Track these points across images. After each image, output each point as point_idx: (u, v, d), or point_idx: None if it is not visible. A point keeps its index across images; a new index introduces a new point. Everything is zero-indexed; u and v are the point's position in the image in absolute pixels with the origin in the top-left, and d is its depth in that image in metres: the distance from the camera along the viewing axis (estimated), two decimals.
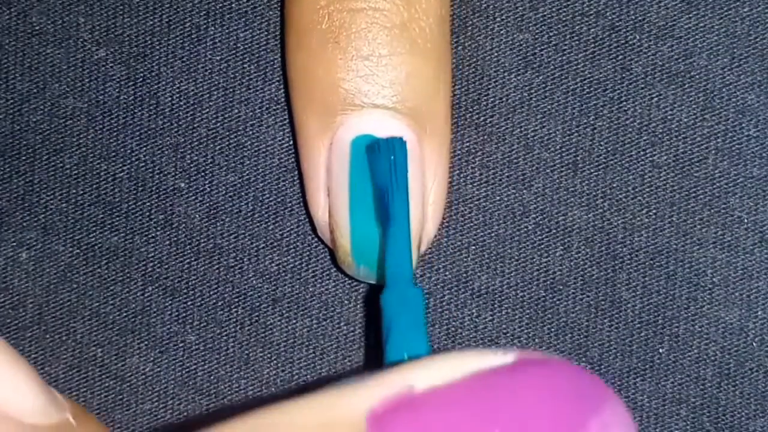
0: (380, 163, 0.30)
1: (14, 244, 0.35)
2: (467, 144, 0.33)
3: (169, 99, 0.34)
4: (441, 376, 0.22)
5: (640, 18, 0.33)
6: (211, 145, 0.34)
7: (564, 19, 0.33)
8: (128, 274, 0.34)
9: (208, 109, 0.34)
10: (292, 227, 0.34)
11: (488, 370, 0.22)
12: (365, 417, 0.21)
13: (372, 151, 0.30)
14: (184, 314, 0.34)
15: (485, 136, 0.33)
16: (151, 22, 0.34)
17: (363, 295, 0.34)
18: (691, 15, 0.33)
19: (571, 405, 0.22)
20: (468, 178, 0.33)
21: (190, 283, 0.34)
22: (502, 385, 0.22)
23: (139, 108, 0.34)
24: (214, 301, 0.34)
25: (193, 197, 0.34)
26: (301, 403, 0.21)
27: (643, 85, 0.33)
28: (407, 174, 0.30)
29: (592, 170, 0.33)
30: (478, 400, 0.21)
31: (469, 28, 0.33)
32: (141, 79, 0.34)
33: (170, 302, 0.34)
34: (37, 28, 0.34)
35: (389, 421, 0.21)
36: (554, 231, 0.33)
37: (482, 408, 0.21)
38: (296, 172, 0.34)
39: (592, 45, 0.33)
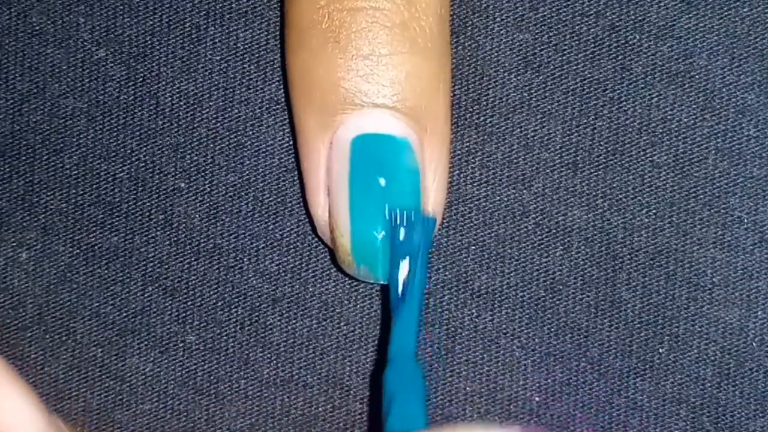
0: (409, 243, 0.30)
1: (14, 244, 0.35)
2: (467, 144, 0.33)
3: (169, 99, 0.34)
4: None
5: (640, 18, 0.33)
6: (211, 145, 0.34)
7: (564, 19, 0.33)
8: (128, 274, 0.34)
9: (208, 109, 0.34)
10: (292, 227, 0.34)
11: None
12: None
13: (399, 227, 0.30)
14: (184, 314, 0.34)
15: (485, 136, 0.33)
16: (151, 22, 0.34)
17: (363, 295, 0.34)
18: (691, 15, 0.33)
19: None
20: (468, 178, 0.33)
21: (190, 283, 0.34)
22: None
23: (139, 108, 0.34)
24: (214, 301, 0.34)
25: (193, 197, 0.34)
26: None
27: (643, 85, 0.33)
28: (428, 255, 0.31)
29: (592, 170, 0.33)
30: None
31: (469, 28, 0.33)
32: (141, 79, 0.34)
33: (170, 302, 0.34)
34: (37, 28, 0.34)
35: None
36: (554, 231, 0.33)
37: None
38: (296, 172, 0.34)
39: (592, 45, 0.33)
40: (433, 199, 0.31)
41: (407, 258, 0.30)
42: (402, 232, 0.30)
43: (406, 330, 0.30)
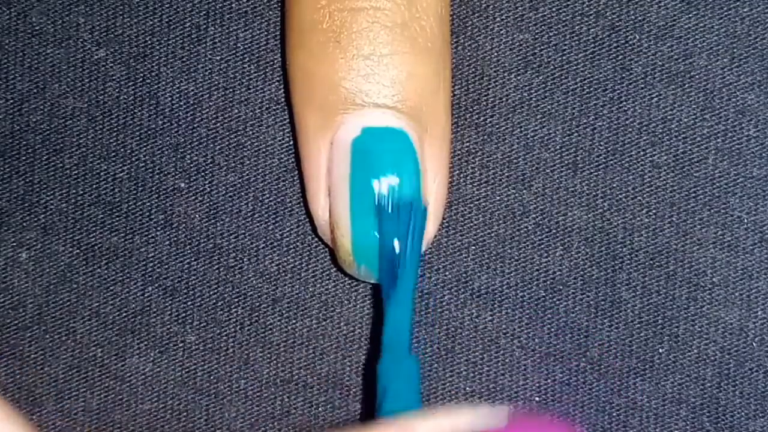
0: (397, 224, 0.30)
1: (14, 244, 0.35)
2: (467, 144, 0.33)
3: (169, 99, 0.34)
4: None
5: (640, 18, 0.33)
6: (211, 145, 0.34)
7: (564, 19, 0.33)
8: (128, 274, 0.34)
9: (208, 109, 0.34)
10: (292, 227, 0.34)
11: None
12: None
13: (389, 207, 0.30)
14: (184, 314, 0.34)
15: (485, 136, 0.33)
16: (151, 22, 0.34)
17: (363, 295, 0.34)
18: (691, 15, 0.33)
19: None
20: (468, 178, 0.33)
21: (190, 283, 0.34)
22: None
23: (139, 108, 0.34)
24: (214, 301, 0.34)
25: (193, 197, 0.34)
26: None
27: (643, 85, 0.33)
28: (422, 242, 0.30)
29: (592, 170, 0.33)
30: None
31: (469, 28, 0.33)
32: (141, 79, 0.34)
33: (170, 302, 0.34)
34: (37, 28, 0.34)
35: None
36: (554, 231, 0.33)
37: None
38: (296, 172, 0.34)
39: (592, 45, 0.33)
40: (433, 199, 0.31)
41: (396, 243, 0.30)
42: (389, 216, 0.30)
43: (399, 321, 0.29)
